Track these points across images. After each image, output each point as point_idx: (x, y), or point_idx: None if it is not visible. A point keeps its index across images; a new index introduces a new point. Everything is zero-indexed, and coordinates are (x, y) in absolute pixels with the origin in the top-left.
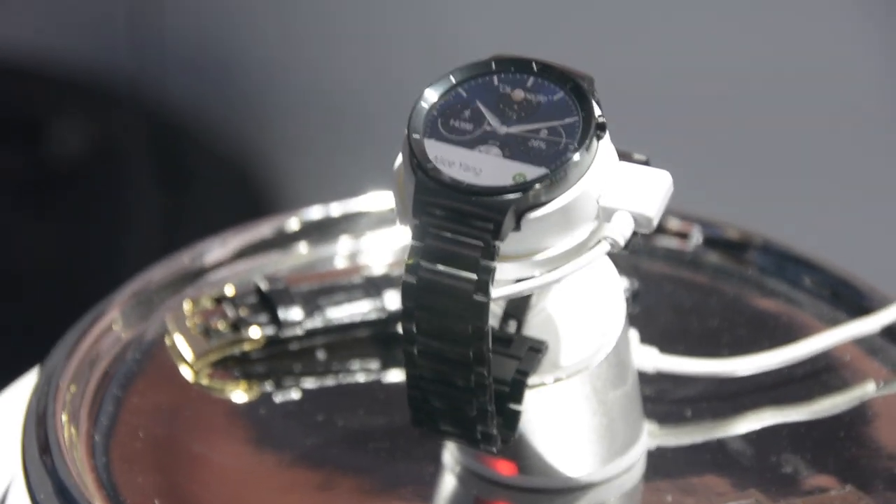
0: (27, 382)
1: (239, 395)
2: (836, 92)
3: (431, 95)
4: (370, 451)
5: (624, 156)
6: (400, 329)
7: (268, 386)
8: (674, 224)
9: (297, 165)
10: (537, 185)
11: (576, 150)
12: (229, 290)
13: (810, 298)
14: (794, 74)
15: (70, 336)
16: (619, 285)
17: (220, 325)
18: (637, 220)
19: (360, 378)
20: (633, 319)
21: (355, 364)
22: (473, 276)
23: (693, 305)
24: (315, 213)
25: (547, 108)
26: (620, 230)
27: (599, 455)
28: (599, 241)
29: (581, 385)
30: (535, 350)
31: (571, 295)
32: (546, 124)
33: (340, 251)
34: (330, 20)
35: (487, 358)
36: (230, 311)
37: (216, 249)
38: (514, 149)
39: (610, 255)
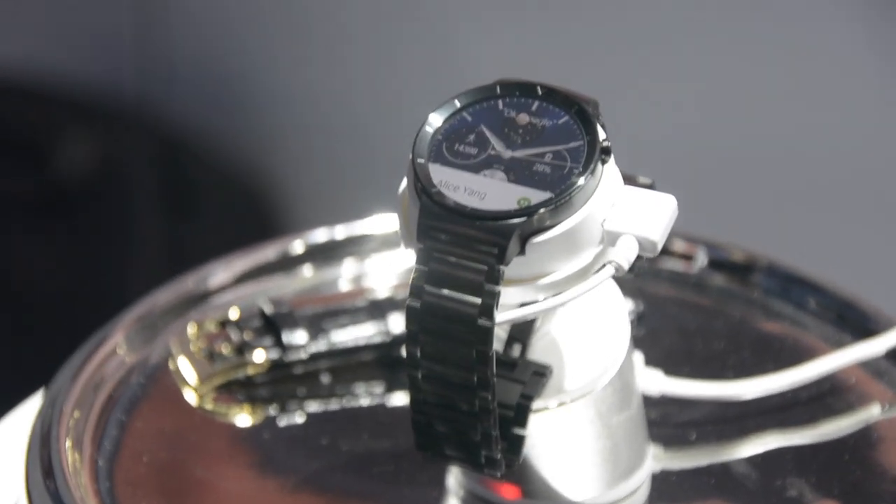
0: (31, 406)
1: (243, 418)
2: (842, 114)
3: (436, 120)
4: (374, 475)
5: (629, 179)
6: (404, 353)
7: (272, 410)
8: (679, 246)
9: (304, 186)
10: (542, 210)
11: (580, 174)
12: (233, 314)
13: (815, 321)
14: (798, 97)
15: (74, 360)
16: (623, 308)
17: (225, 349)
18: (642, 244)
19: (365, 402)
20: (637, 342)
21: (359, 388)
22: (478, 301)
23: (698, 328)
24: (319, 235)
25: (552, 132)
26: (625, 254)
27: (604, 479)
28: (604, 266)
29: (585, 409)
30: (540, 374)
31: (576, 318)
32: (551, 148)
33: (345, 274)
34: (337, 42)
35: (492, 382)
36: (234, 335)
37: (220, 273)
38: (518, 173)
39: (614, 278)
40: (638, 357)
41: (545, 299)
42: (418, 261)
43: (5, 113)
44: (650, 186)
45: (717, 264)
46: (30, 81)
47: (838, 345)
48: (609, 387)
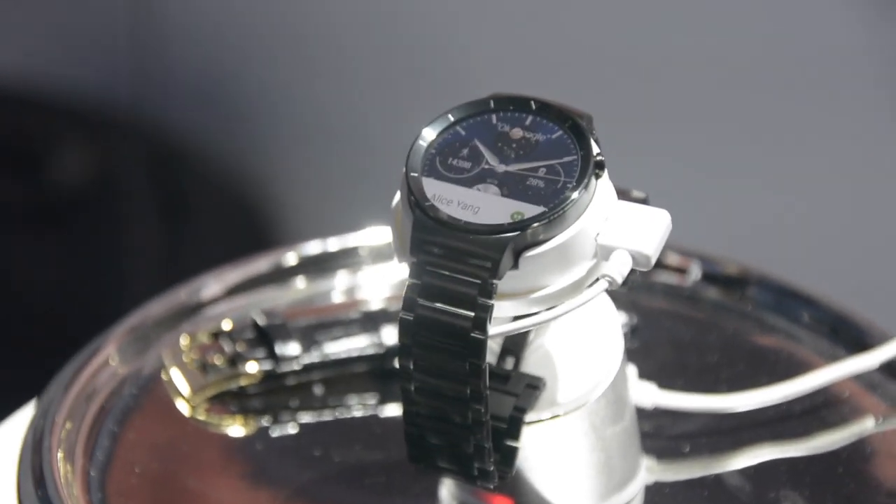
0: (24, 416)
1: (236, 430)
2: (834, 126)
3: (429, 134)
4: (367, 486)
5: (623, 193)
6: (397, 365)
7: (264, 421)
8: (672, 259)
9: (299, 194)
10: (535, 224)
11: (574, 188)
12: (226, 325)
13: (809, 334)
14: (790, 109)
15: (66, 371)
16: (616, 321)
17: (217, 360)
18: (635, 258)
19: (357, 413)
20: (631, 354)
21: (352, 399)
22: (471, 314)
23: (692, 341)
24: (312, 248)
25: (545, 146)
26: (618, 269)
27: (597, 491)
28: (597, 280)
29: (579, 421)
30: (533, 387)
31: (569, 331)
32: (544, 163)
33: (338, 286)
34: (333, 53)
35: (485, 395)
36: (227, 346)
37: (213, 284)
38: (512, 187)
39: (608, 291)
40: (631, 370)
41: (538, 313)
42: (411, 274)
43: (0, 120)
44: (644, 201)
45: (710, 277)
46: (25, 89)
47: (832, 358)
48: (602, 399)
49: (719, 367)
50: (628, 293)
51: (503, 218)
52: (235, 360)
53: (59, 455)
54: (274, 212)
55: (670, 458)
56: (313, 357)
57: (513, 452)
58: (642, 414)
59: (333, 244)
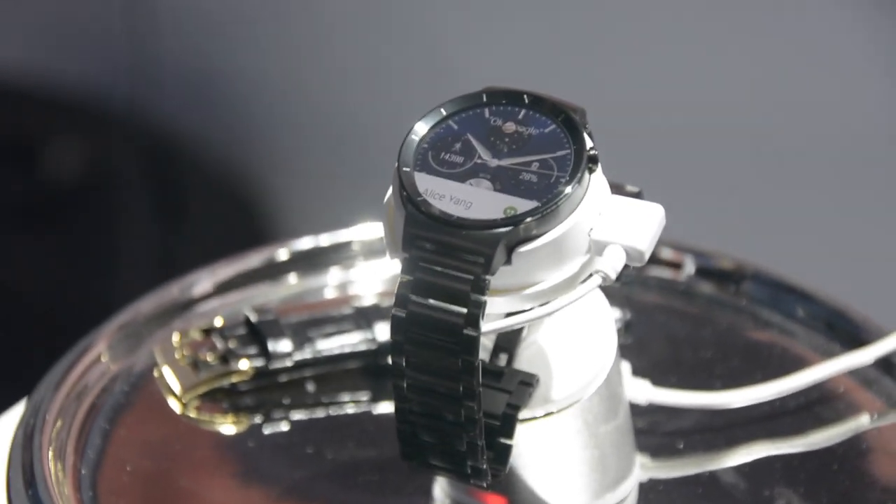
0: (15, 414)
1: (227, 427)
2: (830, 120)
3: (421, 128)
4: (360, 484)
5: (616, 188)
6: (390, 361)
7: (257, 418)
8: (666, 254)
9: (294, 191)
10: (528, 219)
11: (567, 183)
12: (218, 322)
13: (804, 329)
14: (785, 104)
15: (57, 368)
16: (610, 317)
17: (209, 357)
18: (629, 253)
19: (350, 410)
20: (625, 350)
21: (345, 396)
22: (463, 310)
23: (686, 336)
24: (304, 243)
25: (538, 140)
26: (612, 264)
27: (591, 489)
28: (591, 275)
29: (572, 418)
30: (526, 384)
31: (562, 328)
32: (537, 157)
33: (330, 282)
34: (327, 49)
35: (477, 392)
36: (219, 343)
37: (205, 281)
38: (505, 182)
39: (601, 287)
40: (625, 366)
41: (532, 309)
42: (404, 270)
43: None
44: (638, 195)
45: (705, 272)
46: (21, 85)
47: (827, 354)
48: (596, 396)
49: (713, 362)
50: (622, 288)
51: (496, 213)
52: (227, 357)
53: (50, 453)
54: (270, 206)
55: (665, 455)
56: (305, 354)
57: (506, 450)
58: (636, 410)
59: (325, 240)
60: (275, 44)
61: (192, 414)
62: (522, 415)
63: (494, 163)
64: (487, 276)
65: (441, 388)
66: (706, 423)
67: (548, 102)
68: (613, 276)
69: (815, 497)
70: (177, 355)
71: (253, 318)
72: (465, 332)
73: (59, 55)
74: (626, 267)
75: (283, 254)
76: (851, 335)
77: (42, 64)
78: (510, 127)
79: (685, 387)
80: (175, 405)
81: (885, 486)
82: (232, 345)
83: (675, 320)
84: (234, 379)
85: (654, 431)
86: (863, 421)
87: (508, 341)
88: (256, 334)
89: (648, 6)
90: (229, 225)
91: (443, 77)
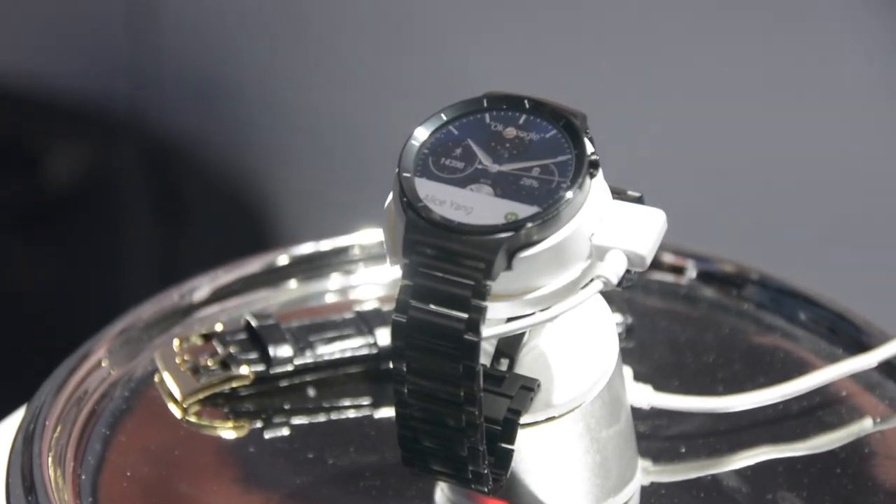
0: (15, 420)
1: (228, 432)
2: (832, 125)
3: (422, 134)
4: (361, 489)
5: (618, 193)
6: (391, 366)
7: (257, 423)
8: (668, 258)
9: (294, 195)
10: (529, 224)
11: (568, 188)
12: (219, 327)
13: (807, 334)
14: (787, 108)
15: (57, 374)
16: (611, 322)
17: (210, 363)
18: (630, 258)
19: (351, 415)
20: (627, 354)
21: (346, 401)
22: (464, 316)
23: (688, 340)
24: (305, 249)
25: (539, 145)
26: (613, 269)
27: (593, 494)
28: (592, 280)
29: (574, 423)
30: (528, 388)
31: (564, 332)
32: (538, 162)
33: (331, 287)
34: (330, 54)
35: (479, 398)
36: (220, 349)
37: (205, 286)
38: (505, 187)
39: (603, 292)
40: (627, 371)
41: (533, 314)
42: (404, 276)
43: None
44: (639, 200)
45: (707, 276)
46: (21, 90)
47: (830, 358)
48: (598, 401)
49: (716, 367)
50: (623, 292)
51: (497, 218)
52: (228, 363)
53: (50, 459)
54: (271, 211)
55: (667, 460)
56: (306, 359)
57: (507, 455)
58: (638, 414)
59: (326, 245)
60: (276, 48)
61: (193, 419)
62: (524, 420)
63: (495, 168)
64: (488, 282)
65: (442, 393)
66: (708, 428)
67: (548, 107)
68: (615, 281)
69: (818, 501)
70: (177, 361)
71: (254, 323)
72: (466, 337)
73: (60, 58)
74: (627, 272)
75: (283, 259)
76: (854, 339)
77: (43, 67)
78: (511, 132)
79: (687, 391)
80: (175, 411)
81: (888, 489)
82: (233, 350)
83: (677, 325)
84: (235, 384)
85: (657, 436)
86: (866, 425)
87: (509, 346)
88: (257, 339)
89: (649, 11)
90: (230, 229)
91: (443, 82)
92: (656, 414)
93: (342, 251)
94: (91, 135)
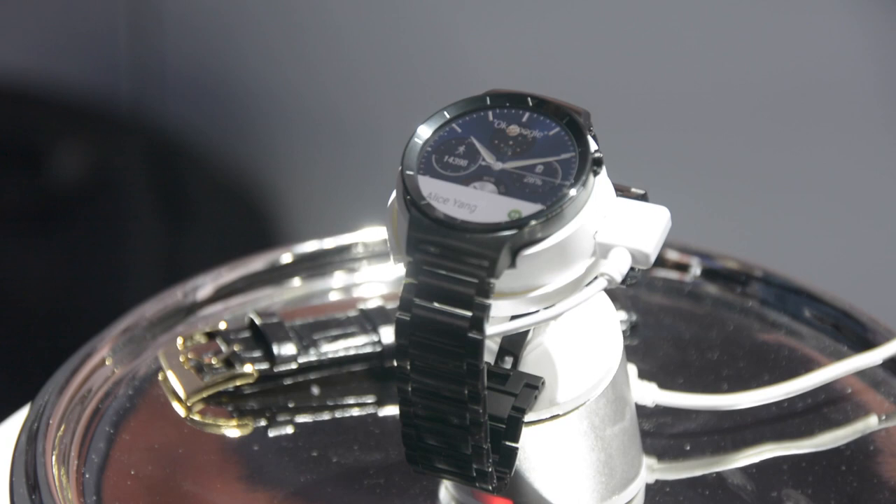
0: (19, 419)
1: (232, 431)
2: (836, 122)
3: (425, 132)
4: (365, 487)
5: (622, 190)
6: (395, 364)
7: (261, 422)
8: (673, 256)
9: (298, 192)
10: (533, 222)
11: (572, 186)
12: (222, 326)
13: (812, 331)
14: (791, 104)
15: (61, 373)
16: (615, 319)
17: (214, 361)
18: (634, 256)
19: (355, 413)
20: (631, 352)
21: (350, 399)
22: (468, 314)
23: (692, 338)
24: (308, 247)
25: (543, 143)
26: (617, 266)
27: (597, 492)
28: (596, 278)
29: (578, 421)
30: (532, 386)
31: (568, 330)
32: (542, 160)
33: (335, 285)
34: (333, 53)
35: (483, 396)
36: (223, 347)
37: (209, 284)
38: (509, 185)
39: (607, 289)
40: (632, 368)
41: (537, 312)
42: (408, 274)
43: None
44: (643, 197)
45: (711, 274)
46: (24, 88)
47: (835, 355)
48: (602, 398)
49: (720, 364)
50: (628, 290)
51: (500, 216)
52: (232, 361)
53: (53, 458)
54: (275, 208)
55: (671, 457)
56: (310, 357)
57: (511, 453)
58: (643, 412)
59: (329, 243)
60: (279, 47)
61: (197, 418)
62: (528, 418)
63: (498, 166)
64: (492, 280)
65: (446, 391)
66: (713, 425)
67: (552, 105)
68: (619, 278)
69: (823, 499)
70: (181, 359)
71: (257, 321)
72: (470, 335)
73: (63, 58)
74: (631, 270)
75: (287, 257)
76: (859, 336)
77: (46, 67)
78: (514, 130)
79: (692, 388)
80: (179, 409)
81: (893, 487)
82: (236, 348)
83: (682, 322)
84: (239, 382)
85: (661, 433)
86: (871, 422)
87: (514, 344)
88: (261, 338)
89: (652, 8)
90: (234, 227)
91: (447, 80)
92: (661, 411)
93: (346, 249)
94: (94, 133)
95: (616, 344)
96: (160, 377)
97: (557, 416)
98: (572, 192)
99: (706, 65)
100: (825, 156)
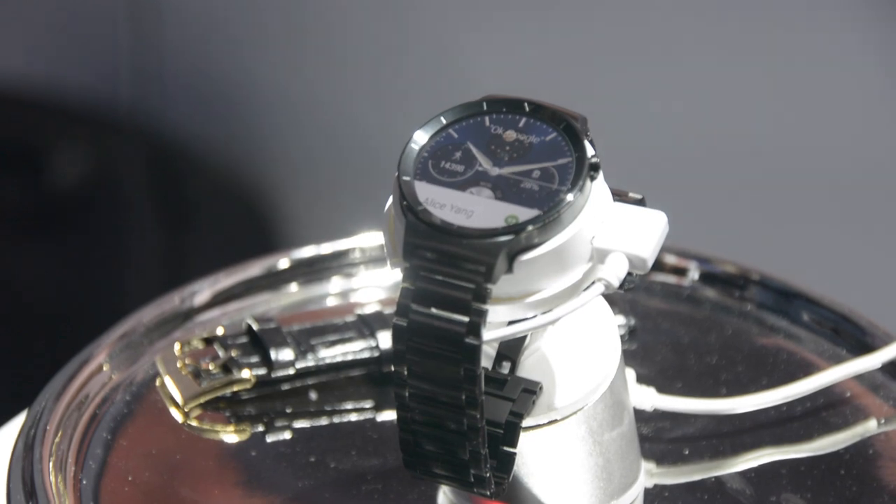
0: (15, 426)
1: (230, 436)
2: (837, 126)
3: (421, 137)
4: (363, 493)
5: (619, 195)
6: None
7: (259, 427)
8: (671, 260)
9: (299, 194)
10: (530, 227)
11: (569, 191)
12: (220, 331)
13: (810, 335)
14: (789, 109)
15: (58, 379)
16: (613, 324)
17: (211, 367)
18: (632, 261)
19: (353, 418)
20: (630, 356)
21: (348, 404)
22: (465, 319)
23: (691, 342)
24: (306, 252)
25: (539, 148)
26: (615, 272)
27: (596, 497)
28: (593, 283)
29: (576, 426)
30: (530, 391)
31: (565, 335)
32: (538, 165)
33: (332, 291)
34: (333, 57)
35: (480, 401)
36: (221, 352)
37: (206, 290)
38: (506, 190)
39: (604, 294)
40: (630, 373)
41: (534, 317)
42: (405, 279)
43: (0, 123)
44: (641, 202)
45: (709, 278)
46: (24, 91)
47: (833, 359)
48: (600, 403)
49: (719, 368)
50: (626, 294)
51: (497, 221)
52: (229, 366)
53: (51, 465)
54: (277, 211)
55: (670, 462)
56: (308, 362)
57: (509, 458)
58: (641, 417)
59: (326, 248)
60: (278, 52)
61: (194, 423)
62: (526, 423)
63: (495, 171)
64: (489, 285)
65: (443, 396)
66: (712, 430)
67: (548, 110)
68: (616, 283)
69: (822, 503)
70: (178, 365)
71: (255, 326)
72: (467, 340)
73: (63, 59)
74: (629, 274)
75: (284, 262)
76: (858, 340)
77: (46, 69)
78: (511, 135)
79: (690, 393)
80: (177, 415)
81: (892, 491)
82: (234, 354)
83: (680, 326)
84: (236, 388)
85: (660, 438)
86: (870, 426)
87: (511, 349)
88: (258, 343)
89: (649, 12)
90: (234, 231)
91: (444, 86)
92: (659, 416)
93: (343, 254)
94: (94, 136)
95: (614, 348)
96: (157, 383)
97: (555, 421)
98: (569, 197)
99: (704, 69)
100: (824, 159)
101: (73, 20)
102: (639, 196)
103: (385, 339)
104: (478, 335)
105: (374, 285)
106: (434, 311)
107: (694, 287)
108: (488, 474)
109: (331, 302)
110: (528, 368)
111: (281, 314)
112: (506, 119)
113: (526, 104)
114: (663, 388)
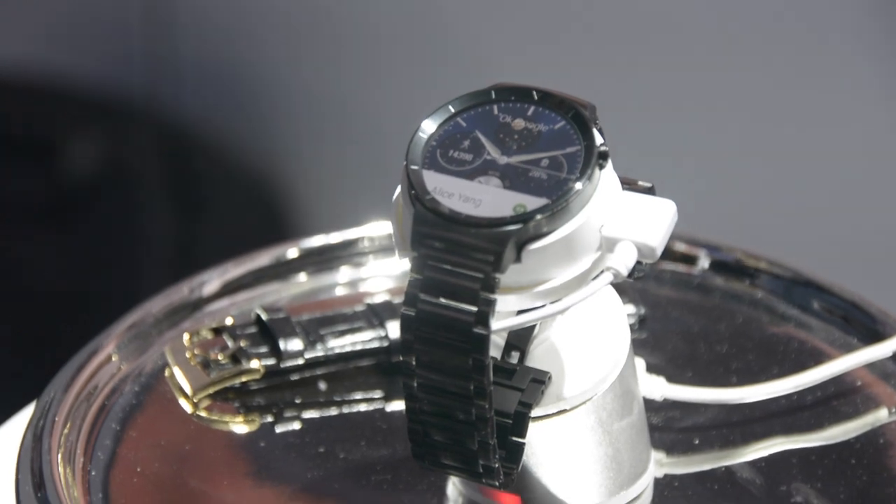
0: (24, 417)
1: (239, 427)
2: (846, 113)
3: (429, 126)
4: (372, 483)
5: (628, 183)
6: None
7: (268, 417)
8: (680, 248)
9: (312, 184)
10: (538, 216)
11: (577, 179)
12: (229, 321)
13: (821, 323)
14: (801, 96)
15: (67, 369)
16: (622, 313)
17: (220, 357)
18: (640, 249)
19: (362, 408)
20: (639, 345)
21: (357, 394)
22: (473, 309)
23: (701, 331)
24: (315, 241)
25: (548, 137)
26: (623, 260)
27: (605, 486)
28: (602, 272)
29: (586, 416)
30: (539, 381)
31: (574, 324)
32: (547, 154)
33: (341, 280)
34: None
35: (489, 391)
36: (230, 342)
37: (215, 280)
38: (514, 179)
39: (614, 283)
40: (639, 362)
41: (543, 306)
42: (413, 269)
43: (14, 112)
44: (650, 191)
45: (719, 266)
46: (39, 81)
47: (844, 347)
48: (609, 393)
49: (729, 357)
50: (636, 283)
51: (505, 210)
52: (238, 357)
53: (59, 456)
54: (290, 200)
55: (680, 452)
56: (317, 352)
57: (518, 449)
58: (651, 406)
59: (335, 238)
60: (292, 40)
61: (203, 414)
62: (535, 413)
63: (504, 160)
64: (497, 275)
65: (452, 386)
66: (722, 419)
67: (557, 98)
68: (625, 272)
69: (833, 492)
70: (187, 355)
71: (264, 316)
72: (476, 330)
73: (77, 49)
74: (638, 263)
75: (293, 252)
76: (869, 328)
77: (60, 60)
78: (519, 124)
79: (700, 382)
80: (186, 405)
81: None
82: (243, 344)
83: (690, 315)
84: (245, 378)
85: (670, 427)
86: (881, 415)
87: (520, 339)
88: (267, 333)
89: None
90: (246, 220)
91: (453, 74)
92: (669, 405)
93: (352, 244)
94: (108, 126)
95: (623, 338)
96: (166, 373)
97: (564, 410)
98: (578, 185)
99: (713, 56)
100: (836, 147)
101: (86, 8)
102: (648, 184)
103: (394, 329)
104: (486, 325)
105: (383, 275)
106: (442, 300)
107: (704, 275)
108: (497, 465)
109: (340, 291)
110: (537, 358)
111: (290, 304)
112: (514, 107)
113: (534, 92)
114: (673, 378)
